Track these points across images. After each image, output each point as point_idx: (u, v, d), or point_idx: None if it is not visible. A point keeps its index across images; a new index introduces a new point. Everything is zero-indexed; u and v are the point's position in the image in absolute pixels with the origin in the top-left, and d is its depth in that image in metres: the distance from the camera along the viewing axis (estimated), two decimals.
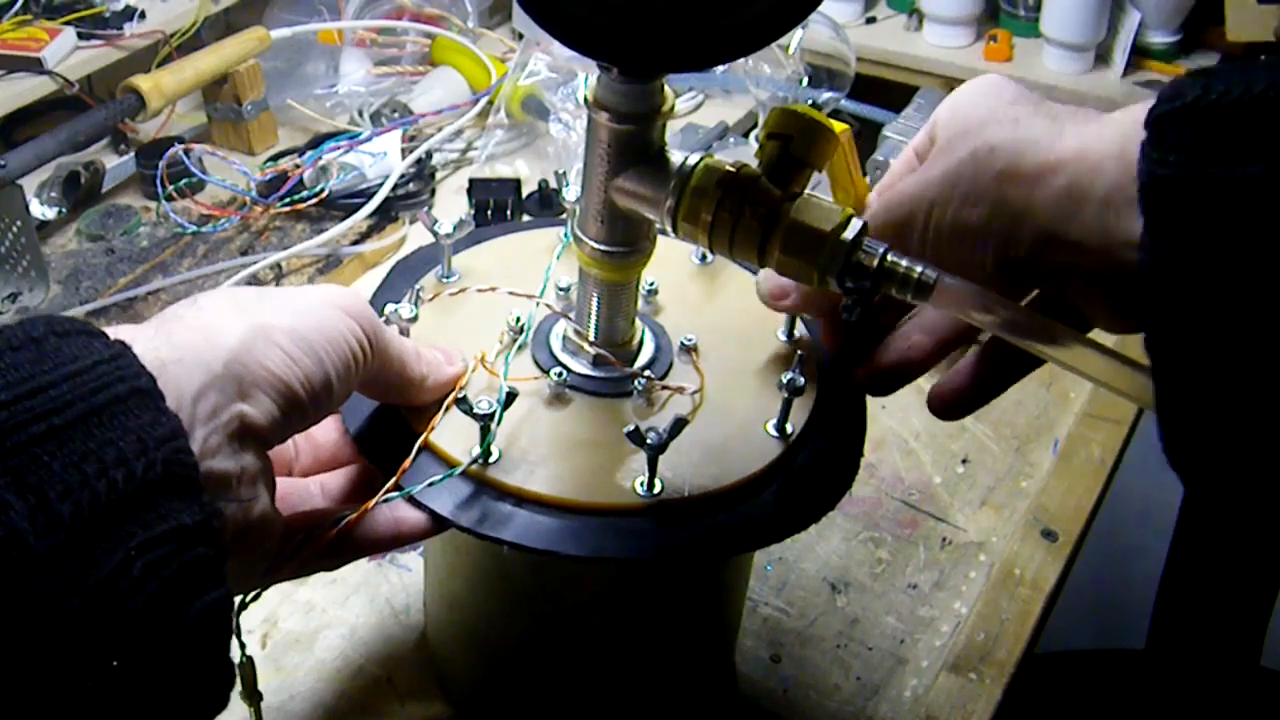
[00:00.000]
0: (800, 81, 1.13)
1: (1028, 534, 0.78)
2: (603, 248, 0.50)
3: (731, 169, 0.46)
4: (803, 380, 0.50)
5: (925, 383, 0.53)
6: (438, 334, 0.54)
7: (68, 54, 1.08)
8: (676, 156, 0.47)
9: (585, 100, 0.47)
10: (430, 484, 0.47)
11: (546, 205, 1.07)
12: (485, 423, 0.48)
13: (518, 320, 0.55)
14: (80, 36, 1.10)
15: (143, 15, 1.14)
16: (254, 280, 0.94)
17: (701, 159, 0.47)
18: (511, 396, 0.49)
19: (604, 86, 0.46)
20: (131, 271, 0.95)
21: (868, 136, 1.02)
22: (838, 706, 0.66)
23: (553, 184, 1.08)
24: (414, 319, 0.53)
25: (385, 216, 1.03)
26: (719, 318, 0.57)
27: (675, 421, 0.47)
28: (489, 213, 1.05)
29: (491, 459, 0.49)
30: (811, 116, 0.45)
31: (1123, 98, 1.42)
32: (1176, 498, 1.35)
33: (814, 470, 0.52)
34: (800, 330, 0.57)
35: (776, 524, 0.49)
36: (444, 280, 0.58)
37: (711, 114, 1.26)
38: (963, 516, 0.79)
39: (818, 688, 0.67)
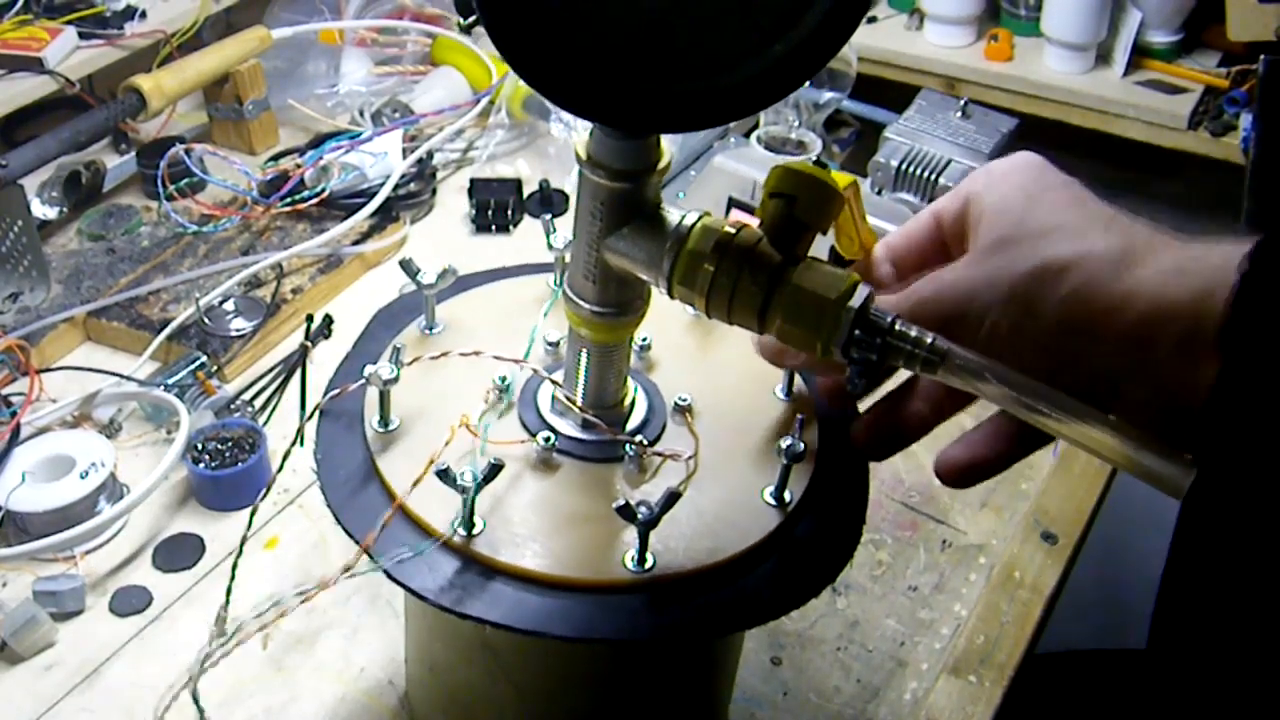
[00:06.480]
0: None
1: (1028, 536, 0.78)
2: (594, 308, 0.47)
3: (730, 230, 0.44)
4: (802, 447, 0.48)
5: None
6: (419, 397, 0.52)
7: (69, 53, 1.08)
8: (673, 215, 0.45)
9: (577, 156, 0.45)
10: (400, 560, 0.45)
11: (547, 205, 1.07)
12: (466, 495, 0.45)
13: (504, 380, 0.52)
14: (81, 36, 1.10)
15: (144, 15, 1.14)
16: (255, 280, 0.94)
17: (699, 219, 0.45)
18: (496, 469, 0.46)
19: (597, 142, 0.44)
20: (132, 271, 0.95)
21: (869, 136, 1.02)
22: (838, 709, 0.67)
23: (554, 184, 1.08)
24: (395, 379, 0.49)
25: (386, 216, 1.03)
26: (715, 374, 0.54)
27: (667, 496, 0.45)
28: (490, 212, 1.05)
29: (475, 530, 0.46)
30: (817, 176, 0.43)
31: (1123, 97, 1.43)
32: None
33: (813, 542, 0.49)
34: (799, 387, 0.54)
35: (773, 601, 0.47)
36: (426, 333, 0.55)
37: None
38: (963, 519, 0.79)
39: (818, 690, 0.67)
